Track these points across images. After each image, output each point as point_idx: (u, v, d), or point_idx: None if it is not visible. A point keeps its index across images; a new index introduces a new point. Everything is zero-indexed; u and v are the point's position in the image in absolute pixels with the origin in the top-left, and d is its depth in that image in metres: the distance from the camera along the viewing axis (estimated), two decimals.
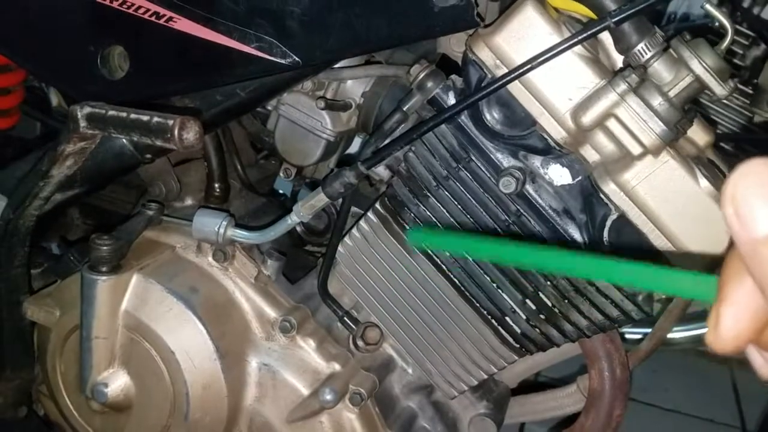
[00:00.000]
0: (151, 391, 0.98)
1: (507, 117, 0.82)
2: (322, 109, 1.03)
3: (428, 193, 0.89)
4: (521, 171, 0.83)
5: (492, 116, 0.83)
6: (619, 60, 0.79)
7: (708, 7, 0.76)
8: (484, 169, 0.86)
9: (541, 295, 0.88)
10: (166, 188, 1.11)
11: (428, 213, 0.90)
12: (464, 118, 0.85)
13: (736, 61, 1.41)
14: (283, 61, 0.84)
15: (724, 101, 1.33)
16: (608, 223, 0.80)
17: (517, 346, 0.94)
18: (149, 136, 0.81)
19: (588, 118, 0.76)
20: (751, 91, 1.36)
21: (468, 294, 0.93)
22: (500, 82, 0.77)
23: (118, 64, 0.93)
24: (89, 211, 1.33)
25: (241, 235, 0.96)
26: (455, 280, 0.93)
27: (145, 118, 0.81)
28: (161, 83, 0.95)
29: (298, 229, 1.17)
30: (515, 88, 0.79)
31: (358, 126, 1.08)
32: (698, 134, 0.82)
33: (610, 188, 0.78)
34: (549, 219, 0.84)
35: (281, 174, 1.17)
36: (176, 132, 0.78)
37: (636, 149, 0.75)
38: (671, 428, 2.13)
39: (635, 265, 0.38)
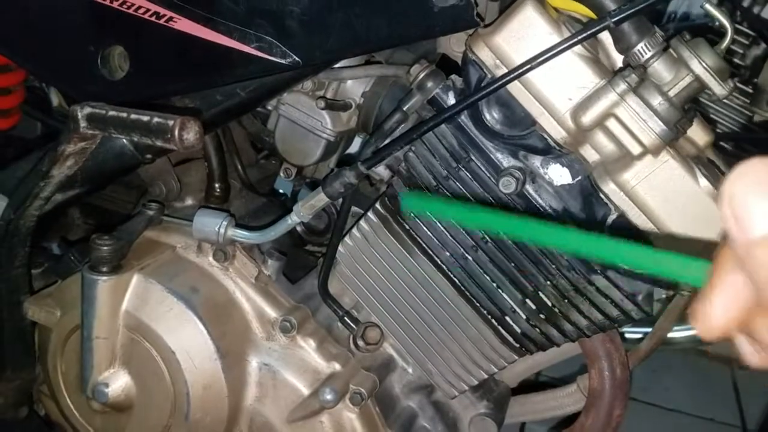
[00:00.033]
0: (152, 391, 0.98)
1: (507, 117, 0.82)
2: (322, 108, 1.04)
3: (428, 193, 0.89)
4: (521, 171, 0.83)
5: (492, 116, 0.83)
6: (618, 60, 0.80)
7: (708, 6, 0.76)
8: (484, 169, 0.86)
9: (541, 294, 0.89)
10: (167, 188, 1.11)
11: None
12: (464, 118, 0.85)
13: (736, 60, 1.41)
14: (283, 61, 0.84)
15: (724, 101, 1.33)
16: (608, 222, 0.81)
17: (518, 345, 0.94)
18: (149, 136, 0.81)
19: (588, 117, 0.76)
20: (751, 91, 1.36)
21: (468, 294, 0.93)
22: (500, 82, 0.78)
23: (118, 64, 0.93)
24: (90, 211, 1.33)
25: (241, 235, 0.96)
26: (455, 279, 0.93)
27: (146, 118, 0.81)
28: (161, 83, 0.95)
29: (299, 228, 1.17)
30: (515, 88, 0.79)
31: (358, 126, 1.08)
32: (698, 134, 0.82)
33: (609, 188, 0.78)
34: (549, 219, 0.84)
35: (281, 174, 1.17)
36: (176, 132, 0.78)
37: (636, 149, 0.75)
38: (672, 427, 2.13)
39: (628, 245, 0.39)
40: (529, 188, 0.84)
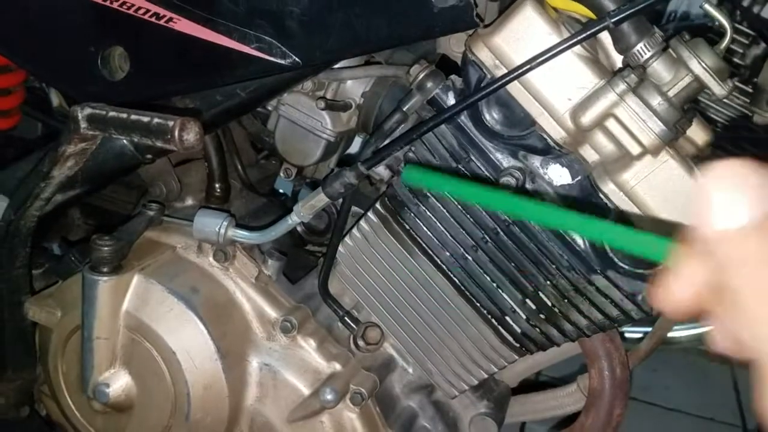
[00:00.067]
0: (153, 392, 0.98)
1: (506, 117, 0.83)
2: (322, 109, 1.04)
3: (428, 193, 0.90)
4: (521, 171, 0.83)
5: (491, 116, 0.83)
6: (618, 60, 0.80)
7: (707, 6, 0.76)
8: (483, 169, 0.86)
9: (541, 294, 0.89)
10: (167, 188, 1.11)
11: (428, 213, 0.90)
12: (464, 119, 0.85)
13: (735, 60, 1.40)
14: (283, 62, 0.85)
15: (724, 100, 1.33)
16: None
17: (518, 345, 0.94)
18: (149, 137, 0.81)
19: (587, 118, 0.76)
20: (750, 90, 1.36)
21: (468, 294, 0.93)
22: (499, 83, 0.78)
23: (118, 64, 0.94)
24: (90, 211, 1.33)
25: (241, 235, 0.96)
26: (455, 279, 0.93)
27: (146, 119, 0.81)
28: (161, 84, 0.95)
29: (299, 228, 1.17)
30: (514, 88, 0.79)
31: (358, 126, 1.08)
32: (697, 134, 0.82)
33: (609, 188, 0.78)
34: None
35: (281, 174, 1.17)
36: (176, 133, 0.79)
37: (635, 149, 0.75)
38: (672, 427, 2.13)
39: (601, 222, 0.45)
40: (528, 188, 0.84)
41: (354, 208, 1.02)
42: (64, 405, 1.09)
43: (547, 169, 0.83)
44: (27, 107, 1.31)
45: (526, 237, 0.86)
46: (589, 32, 0.73)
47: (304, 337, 0.99)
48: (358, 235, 0.98)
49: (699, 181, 0.35)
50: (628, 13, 0.71)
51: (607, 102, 0.75)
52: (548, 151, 0.82)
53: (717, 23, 0.76)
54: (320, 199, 0.91)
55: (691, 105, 0.80)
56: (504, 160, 0.85)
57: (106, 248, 0.94)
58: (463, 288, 0.93)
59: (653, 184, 0.77)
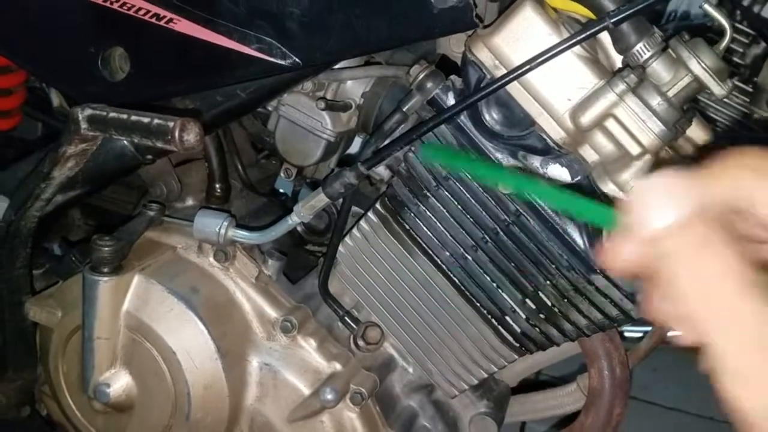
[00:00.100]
0: (153, 392, 0.98)
1: (506, 117, 0.83)
2: (323, 109, 1.04)
3: (428, 193, 0.90)
4: (521, 171, 0.83)
5: (491, 116, 0.83)
6: (618, 60, 0.80)
7: (707, 7, 0.76)
8: None
9: (540, 294, 0.89)
10: (167, 189, 1.11)
11: (428, 213, 0.90)
12: (464, 119, 0.85)
13: (735, 59, 1.40)
14: (283, 62, 0.85)
15: (724, 100, 1.33)
16: None
17: (517, 345, 0.94)
18: (150, 137, 0.81)
19: (587, 118, 0.76)
20: (750, 90, 1.36)
21: (468, 293, 0.93)
22: (499, 83, 0.78)
23: (118, 65, 0.94)
24: (90, 211, 1.33)
25: (241, 235, 0.96)
26: (455, 279, 0.93)
27: (146, 119, 0.81)
28: (162, 84, 0.95)
29: (299, 228, 1.17)
30: (514, 88, 0.79)
31: (358, 126, 1.08)
32: (697, 133, 0.82)
33: (609, 188, 0.78)
34: (548, 219, 0.85)
35: (282, 174, 1.17)
36: (177, 134, 0.79)
37: (635, 149, 0.76)
38: (672, 426, 2.13)
39: (559, 189, 0.54)
40: None
41: (354, 208, 1.02)
42: (64, 405, 1.09)
43: (546, 169, 0.83)
44: (27, 108, 1.31)
45: (526, 237, 0.86)
46: (588, 32, 0.73)
47: (305, 336, 0.99)
48: (358, 235, 0.98)
49: (632, 189, 0.42)
50: (627, 13, 0.71)
51: (607, 102, 0.75)
52: (548, 151, 0.82)
53: (716, 23, 0.76)
54: (320, 199, 0.91)
55: (691, 105, 0.80)
56: (504, 160, 0.85)
57: (106, 248, 0.94)
58: (463, 288, 0.93)
59: None
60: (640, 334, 1.25)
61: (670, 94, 0.76)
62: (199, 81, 0.94)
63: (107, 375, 0.99)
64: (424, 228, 0.91)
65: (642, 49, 0.74)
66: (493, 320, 0.93)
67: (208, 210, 1.00)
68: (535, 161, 0.83)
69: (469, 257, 0.90)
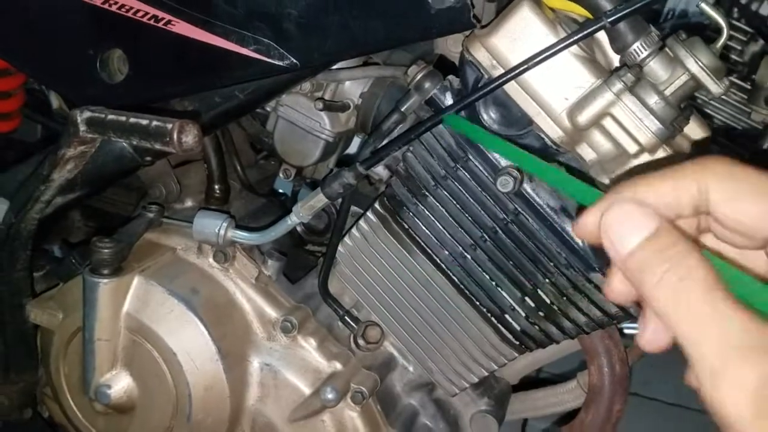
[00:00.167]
0: (154, 393, 0.99)
1: (504, 117, 0.83)
2: (321, 110, 1.04)
3: (427, 193, 0.90)
4: (519, 170, 0.83)
5: (489, 116, 0.83)
6: (615, 59, 0.80)
7: (704, 6, 0.76)
8: (481, 169, 0.86)
9: (540, 292, 0.89)
10: (167, 190, 1.11)
11: (427, 212, 0.91)
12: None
13: (733, 57, 1.41)
14: (281, 63, 0.85)
15: (722, 97, 1.33)
16: None
17: (517, 343, 0.95)
18: (148, 139, 0.81)
19: (584, 117, 0.76)
20: (748, 87, 1.36)
21: (468, 292, 0.93)
22: (497, 83, 0.78)
23: (117, 67, 0.94)
24: (90, 213, 1.33)
25: (241, 236, 0.96)
26: (455, 278, 0.93)
27: (144, 122, 0.81)
28: (160, 86, 0.95)
29: (299, 229, 1.18)
30: (512, 88, 0.79)
31: (356, 126, 1.08)
32: (695, 131, 0.82)
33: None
34: (547, 217, 0.85)
35: (281, 174, 1.18)
36: (175, 135, 0.79)
37: (632, 148, 0.76)
38: (672, 422, 2.14)
39: (550, 167, 0.61)
40: (527, 187, 0.85)
41: (353, 208, 1.02)
42: (66, 407, 1.09)
43: None
44: (27, 110, 1.31)
45: (525, 235, 0.87)
46: (585, 32, 0.73)
47: (305, 336, 1.00)
48: (357, 234, 0.98)
49: (602, 222, 0.44)
50: (624, 12, 0.71)
51: (604, 101, 0.75)
52: (546, 150, 0.82)
53: (713, 22, 0.76)
54: (319, 199, 0.91)
55: (688, 102, 0.80)
56: (502, 160, 0.85)
57: (106, 250, 0.95)
58: (462, 287, 0.93)
59: None
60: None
61: (668, 92, 0.76)
62: (197, 82, 0.94)
63: (108, 376, 0.99)
64: (423, 227, 0.92)
65: (639, 48, 0.74)
66: (493, 318, 0.94)
67: (207, 211, 1.00)
68: None
69: (468, 256, 0.91)
